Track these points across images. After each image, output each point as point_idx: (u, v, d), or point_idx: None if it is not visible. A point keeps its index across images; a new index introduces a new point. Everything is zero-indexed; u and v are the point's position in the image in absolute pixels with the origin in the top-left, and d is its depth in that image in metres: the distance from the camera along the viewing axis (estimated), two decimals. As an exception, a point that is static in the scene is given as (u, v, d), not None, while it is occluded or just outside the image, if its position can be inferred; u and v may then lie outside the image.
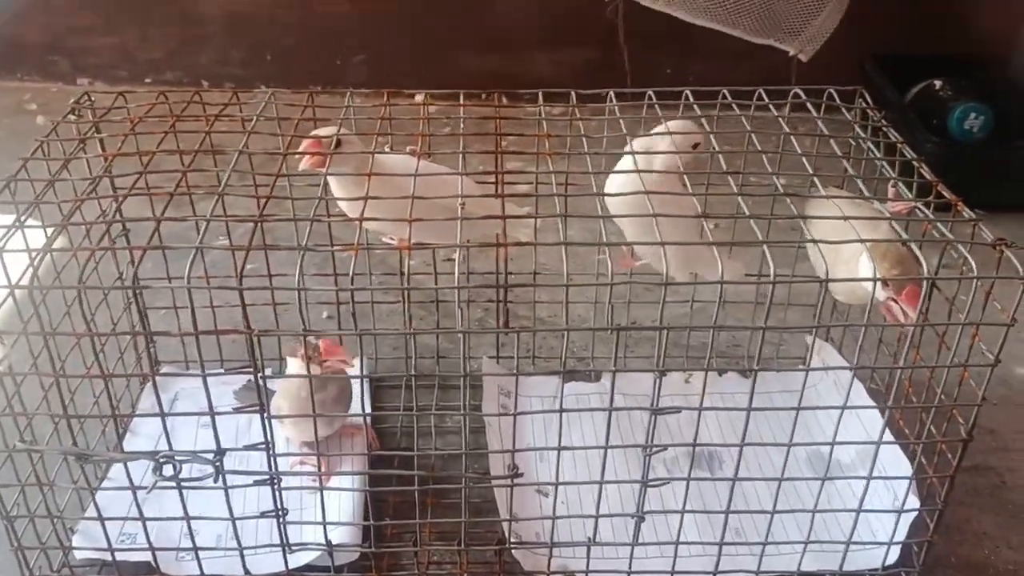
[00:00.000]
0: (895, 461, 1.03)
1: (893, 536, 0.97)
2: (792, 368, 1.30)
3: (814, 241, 0.88)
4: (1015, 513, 1.14)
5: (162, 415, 0.83)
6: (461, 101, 1.22)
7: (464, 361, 0.84)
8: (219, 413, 0.82)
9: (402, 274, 1.28)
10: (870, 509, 0.96)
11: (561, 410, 0.89)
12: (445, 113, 2.17)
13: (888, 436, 0.97)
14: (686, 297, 1.29)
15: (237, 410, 0.88)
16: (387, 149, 1.18)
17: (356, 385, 1.10)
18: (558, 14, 2.00)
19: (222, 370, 1.11)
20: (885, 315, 1.09)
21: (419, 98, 2.29)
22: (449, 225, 0.87)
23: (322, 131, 1.05)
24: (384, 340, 1.37)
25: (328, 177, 1.01)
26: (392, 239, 1.16)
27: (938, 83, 1.85)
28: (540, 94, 1.19)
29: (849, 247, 0.92)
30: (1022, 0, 2.06)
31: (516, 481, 0.89)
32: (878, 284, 0.92)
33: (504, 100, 2.27)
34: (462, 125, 1.13)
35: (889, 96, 1.90)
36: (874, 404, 1.10)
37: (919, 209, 1.01)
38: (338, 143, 1.03)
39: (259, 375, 0.82)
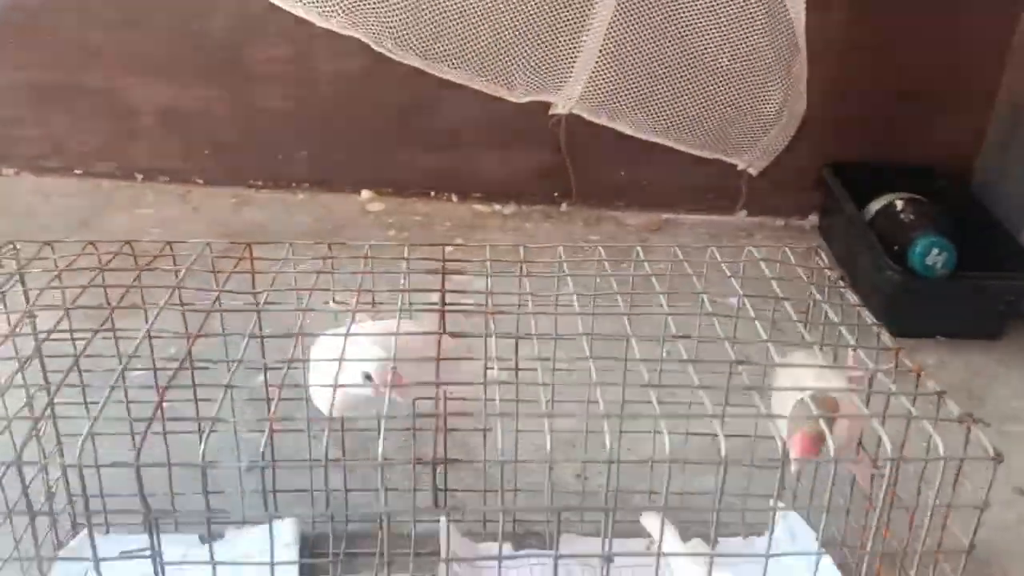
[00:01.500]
0: None
1: None
2: (758, 534, 1.20)
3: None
4: None
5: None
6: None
7: None
8: None
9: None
10: None
11: None
12: (392, 213, 2.10)
13: None
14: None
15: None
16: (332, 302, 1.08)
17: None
18: (508, 115, 1.92)
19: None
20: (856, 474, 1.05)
21: (365, 195, 2.22)
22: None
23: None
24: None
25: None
26: None
27: (899, 203, 1.78)
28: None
29: (788, 397, 0.92)
30: (981, 110, 2.02)
31: None
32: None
33: (454, 199, 2.22)
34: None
35: (848, 212, 1.83)
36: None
37: (880, 376, 0.96)
38: None
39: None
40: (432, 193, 2.15)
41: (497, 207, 2.13)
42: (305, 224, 2.00)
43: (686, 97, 1.63)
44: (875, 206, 1.84)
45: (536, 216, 2.08)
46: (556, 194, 2.12)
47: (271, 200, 2.11)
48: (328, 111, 2.06)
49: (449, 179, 2.14)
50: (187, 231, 1.90)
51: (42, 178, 2.12)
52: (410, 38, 1.57)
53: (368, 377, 0.92)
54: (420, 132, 2.08)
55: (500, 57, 1.59)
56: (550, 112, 1.72)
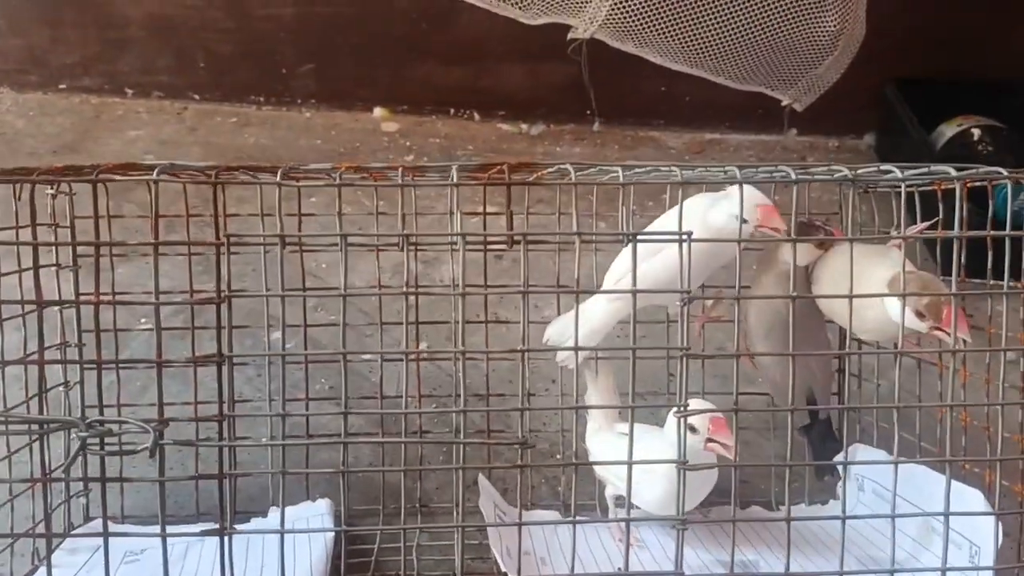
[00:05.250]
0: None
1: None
2: (823, 500, 1.04)
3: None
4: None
5: None
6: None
7: None
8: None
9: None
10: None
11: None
12: (409, 134, 1.91)
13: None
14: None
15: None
16: None
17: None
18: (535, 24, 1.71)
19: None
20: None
21: (379, 113, 2.02)
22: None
23: None
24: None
25: None
26: None
27: (976, 131, 1.57)
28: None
29: (869, 286, 0.85)
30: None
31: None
32: (915, 318, 0.83)
33: (476, 117, 2.02)
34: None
35: (915, 137, 1.62)
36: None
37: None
38: None
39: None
40: (452, 111, 1.96)
41: (524, 127, 1.94)
42: (315, 147, 1.81)
43: (727, 20, 1.42)
44: (947, 131, 1.63)
45: (567, 137, 1.89)
46: (588, 112, 1.92)
47: (275, 119, 1.92)
48: (334, 19, 1.86)
49: (470, 95, 1.94)
50: (186, 156, 1.71)
51: (24, 94, 1.94)
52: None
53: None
54: (438, 42, 1.87)
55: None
56: (569, 36, 1.52)
